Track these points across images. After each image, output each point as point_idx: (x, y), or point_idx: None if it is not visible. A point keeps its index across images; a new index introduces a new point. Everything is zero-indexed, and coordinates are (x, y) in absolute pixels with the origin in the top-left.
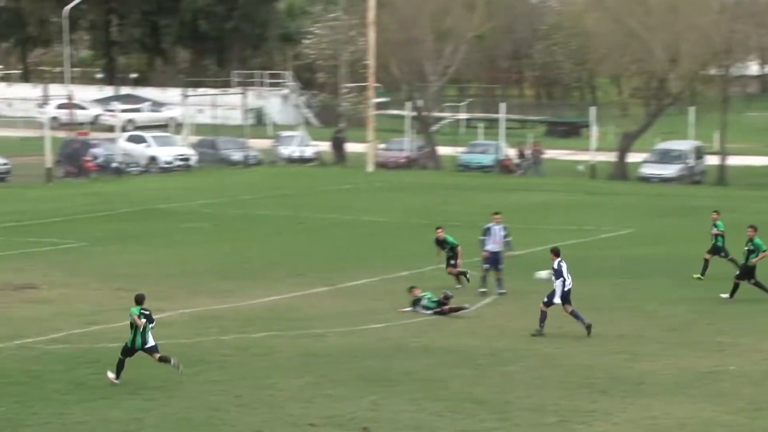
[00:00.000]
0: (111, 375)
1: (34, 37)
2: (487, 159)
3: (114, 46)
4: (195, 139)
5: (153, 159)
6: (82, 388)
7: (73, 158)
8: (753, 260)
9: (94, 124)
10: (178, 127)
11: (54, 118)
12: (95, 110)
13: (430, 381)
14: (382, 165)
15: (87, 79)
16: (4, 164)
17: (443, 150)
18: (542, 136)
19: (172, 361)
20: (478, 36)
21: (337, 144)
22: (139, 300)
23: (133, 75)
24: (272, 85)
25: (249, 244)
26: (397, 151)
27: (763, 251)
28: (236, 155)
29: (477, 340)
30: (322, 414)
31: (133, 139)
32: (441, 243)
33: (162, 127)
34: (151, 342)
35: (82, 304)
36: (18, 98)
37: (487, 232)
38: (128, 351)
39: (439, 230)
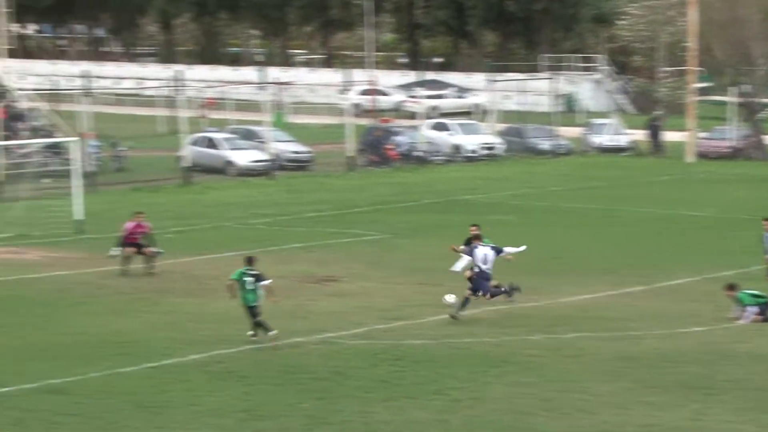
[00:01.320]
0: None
1: (337, 21)
2: None
3: (418, 29)
4: (501, 126)
5: (457, 147)
6: (386, 385)
7: (376, 146)
8: None
9: (397, 110)
10: (484, 114)
11: (356, 105)
12: (398, 96)
13: (759, 390)
14: (702, 155)
15: (390, 64)
16: (307, 152)
17: None
18: None
19: (269, 334)
20: None
21: (654, 132)
22: (249, 261)
23: (438, 59)
24: (584, 69)
25: (557, 239)
26: (719, 140)
27: None
28: (544, 144)
29: None
30: (639, 422)
31: (436, 127)
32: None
33: (466, 114)
34: (258, 302)
35: (385, 298)
36: (320, 84)
37: (765, 239)
38: (248, 311)
39: (474, 228)
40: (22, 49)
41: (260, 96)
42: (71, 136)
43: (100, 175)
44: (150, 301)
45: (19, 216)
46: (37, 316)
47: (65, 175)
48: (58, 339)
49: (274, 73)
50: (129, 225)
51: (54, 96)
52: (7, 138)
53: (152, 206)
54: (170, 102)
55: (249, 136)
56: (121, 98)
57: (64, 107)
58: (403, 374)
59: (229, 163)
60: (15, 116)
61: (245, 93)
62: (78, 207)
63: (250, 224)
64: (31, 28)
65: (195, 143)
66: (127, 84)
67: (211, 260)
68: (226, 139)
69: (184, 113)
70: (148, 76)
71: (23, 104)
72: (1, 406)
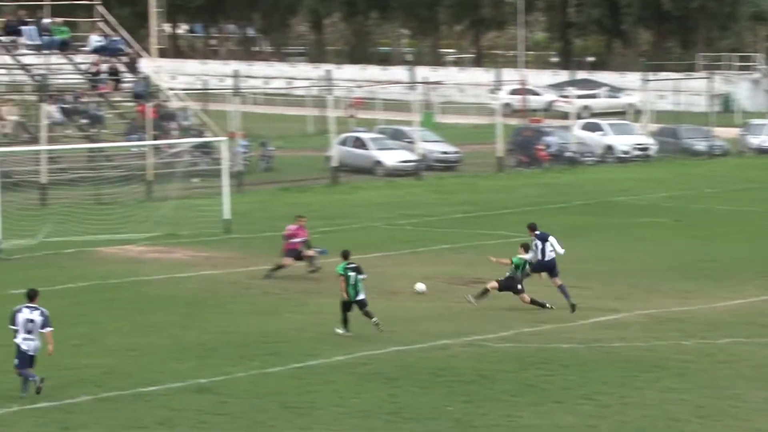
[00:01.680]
0: (339, 330)
1: (488, 20)
2: None
3: (570, 27)
4: (655, 127)
5: (609, 148)
6: (532, 389)
7: (525, 147)
8: None
9: (548, 110)
10: (637, 114)
11: (506, 105)
12: (549, 96)
13: None
14: None
15: (541, 63)
16: (455, 153)
17: None
18: None
19: (374, 319)
20: None
21: None
22: (345, 255)
23: (590, 58)
24: (741, 68)
25: (712, 242)
26: None
27: None
28: (700, 145)
29: None
30: None
31: (588, 127)
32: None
33: (619, 114)
34: (361, 295)
35: None
36: (470, 84)
37: None
38: (345, 305)
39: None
40: (174, 49)
41: (409, 96)
42: (220, 135)
43: (247, 175)
44: (297, 302)
45: (168, 215)
46: (184, 315)
47: (214, 174)
48: (205, 338)
49: (424, 72)
50: (291, 228)
51: (204, 95)
52: (157, 137)
53: (299, 206)
54: (319, 102)
55: (397, 136)
56: (270, 98)
57: (214, 107)
58: (551, 378)
59: (378, 163)
60: (165, 116)
61: (394, 93)
62: (226, 206)
63: (398, 225)
64: (182, 28)
65: (343, 143)
66: (276, 84)
67: (358, 261)
68: (374, 139)
69: (332, 113)
70: (298, 75)
71: (174, 104)
72: (148, 405)
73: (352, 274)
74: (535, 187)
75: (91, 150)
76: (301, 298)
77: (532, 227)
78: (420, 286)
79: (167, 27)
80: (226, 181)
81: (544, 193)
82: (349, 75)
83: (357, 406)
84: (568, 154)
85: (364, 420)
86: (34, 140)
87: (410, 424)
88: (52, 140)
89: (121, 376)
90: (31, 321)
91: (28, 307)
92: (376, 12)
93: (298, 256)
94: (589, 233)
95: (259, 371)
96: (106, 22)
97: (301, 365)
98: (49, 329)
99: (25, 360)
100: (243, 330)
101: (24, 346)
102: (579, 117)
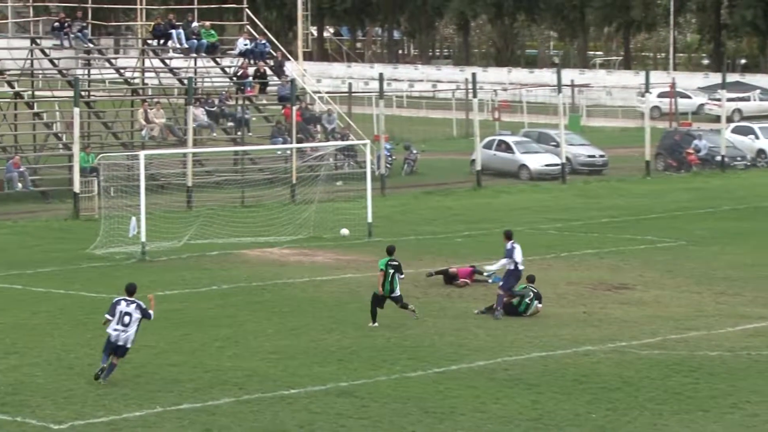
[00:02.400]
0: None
1: (638, 21)
2: None
3: (723, 29)
4: None
5: (761, 152)
6: (679, 397)
7: (674, 151)
8: None
9: (698, 114)
10: None
11: (655, 108)
12: (699, 99)
13: None
14: None
15: (692, 66)
16: (602, 156)
17: None
18: None
19: (410, 307)
20: None
21: None
22: (390, 251)
23: (743, 61)
24: None
25: None
26: None
27: None
28: None
29: None
30: None
31: (739, 131)
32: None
33: None
34: (397, 292)
35: (680, 307)
36: (618, 86)
37: None
38: (377, 297)
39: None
40: (320, 52)
41: (556, 99)
42: (365, 138)
43: (390, 178)
44: (438, 306)
45: (311, 218)
46: (326, 318)
47: (357, 177)
48: (346, 342)
49: (571, 75)
50: (461, 270)
51: (349, 98)
52: (301, 140)
53: (442, 210)
54: (464, 105)
55: (543, 139)
56: (415, 101)
57: (359, 110)
58: (698, 386)
59: (523, 166)
60: (310, 119)
61: (540, 96)
62: (369, 210)
63: (541, 229)
64: (328, 31)
65: (488, 146)
66: (421, 87)
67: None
68: (520, 143)
69: (477, 116)
70: (443, 78)
71: (319, 107)
72: (290, 408)
73: (391, 271)
74: (683, 191)
75: (236, 153)
76: (442, 302)
77: (508, 235)
78: (344, 231)
79: (313, 30)
80: (369, 185)
81: (693, 197)
82: (494, 78)
83: (498, 411)
84: (718, 158)
85: (504, 426)
86: (181, 143)
87: (552, 431)
88: (198, 143)
89: (263, 379)
90: (128, 314)
91: (126, 300)
92: (524, 14)
93: (452, 279)
94: (739, 239)
95: (400, 375)
96: (254, 25)
97: (441, 370)
98: (149, 316)
99: (110, 347)
100: (384, 334)
101: (113, 337)
102: (730, 120)
